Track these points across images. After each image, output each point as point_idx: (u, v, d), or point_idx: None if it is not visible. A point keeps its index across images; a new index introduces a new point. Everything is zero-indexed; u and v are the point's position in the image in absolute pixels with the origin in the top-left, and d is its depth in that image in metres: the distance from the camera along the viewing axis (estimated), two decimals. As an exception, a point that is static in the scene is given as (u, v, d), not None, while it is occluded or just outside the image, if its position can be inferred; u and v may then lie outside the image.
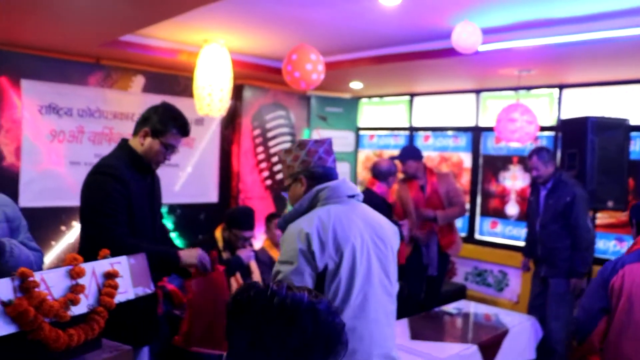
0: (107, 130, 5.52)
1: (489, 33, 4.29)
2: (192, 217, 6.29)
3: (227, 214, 4.07)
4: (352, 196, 2.13)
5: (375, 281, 2.04)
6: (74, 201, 5.25)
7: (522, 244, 6.07)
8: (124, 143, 2.74)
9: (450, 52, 4.61)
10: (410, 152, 5.17)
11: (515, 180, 6.26)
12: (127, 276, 1.92)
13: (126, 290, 1.90)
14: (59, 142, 5.28)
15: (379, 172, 4.85)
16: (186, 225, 6.20)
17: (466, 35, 3.72)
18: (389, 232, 2.18)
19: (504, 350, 4.11)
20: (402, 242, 4.99)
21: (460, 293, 6.18)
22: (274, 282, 1.89)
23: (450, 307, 4.76)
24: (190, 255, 2.67)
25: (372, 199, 4.70)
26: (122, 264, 1.91)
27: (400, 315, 4.28)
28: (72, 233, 5.33)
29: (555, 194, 4.55)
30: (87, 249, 2.28)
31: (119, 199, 2.54)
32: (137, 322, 2.64)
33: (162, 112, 2.68)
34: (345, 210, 2.06)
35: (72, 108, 5.34)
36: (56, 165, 5.25)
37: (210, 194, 6.53)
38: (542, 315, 4.65)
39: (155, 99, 2.79)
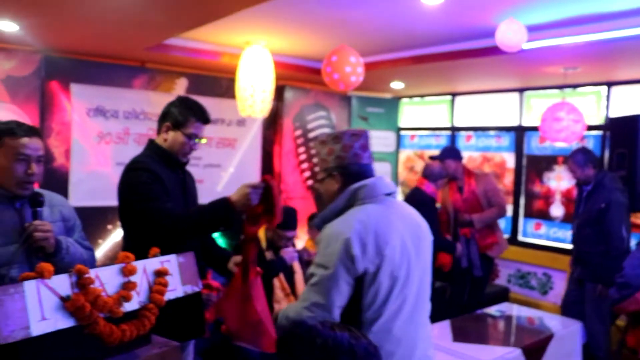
0: (151, 131, 5.63)
1: (534, 30, 4.22)
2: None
3: None
4: (389, 194, 2.07)
5: (414, 281, 2.00)
6: (120, 201, 5.42)
7: (568, 246, 5.96)
8: (150, 142, 2.79)
9: (494, 51, 4.55)
10: (450, 152, 5.13)
11: (560, 180, 6.14)
12: (176, 274, 1.96)
13: (175, 288, 1.95)
14: (105, 143, 5.42)
15: (430, 173, 4.83)
16: (229, 225, 6.27)
17: (511, 33, 3.67)
18: (425, 229, 2.14)
19: (548, 355, 4.02)
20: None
21: (502, 295, 6.09)
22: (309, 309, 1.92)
23: (493, 310, 4.69)
24: (241, 195, 2.53)
25: (421, 196, 4.70)
26: (171, 262, 1.95)
27: (442, 316, 4.27)
28: (119, 232, 5.46)
29: (593, 198, 4.42)
30: (131, 248, 2.33)
31: (157, 186, 2.59)
32: (184, 318, 2.68)
33: (179, 105, 2.73)
34: (383, 210, 2.00)
35: (118, 110, 5.48)
36: (103, 166, 5.39)
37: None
38: (574, 314, 4.56)
39: (198, 101, 2.84)
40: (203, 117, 2.75)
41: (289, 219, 3.83)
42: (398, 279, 1.94)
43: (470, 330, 4.21)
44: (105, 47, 5.07)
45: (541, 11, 3.96)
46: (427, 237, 2.12)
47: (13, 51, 4.83)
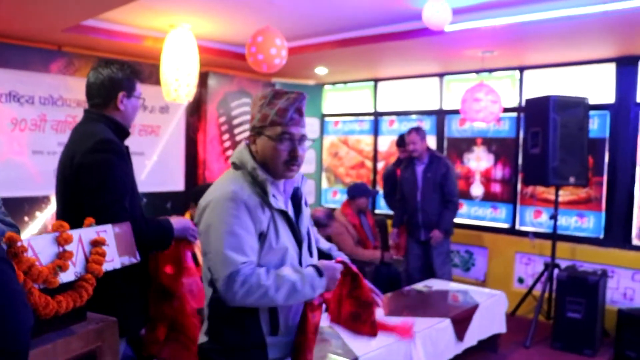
0: (70, 118, 5.41)
1: (456, 13, 4.36)
2: (159, 206, 6.23)
3: (193, 191, 4.19)
4: None
5: None
6: (38, 191, 5.16)
7: (488, 224, 6.23)
8: (100, 114, 2.51)
9: (416, 33, 4.68)
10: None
11: (479, 161, 6.39)
12: (112, 245, 1.90)
13: (112, 259, 1.89)
14: (20, 130, 5.16)
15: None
16: (153, 214, 6.12)
17: (439, 12, 3.77)
18: None
19: (475, 323, 4.23)
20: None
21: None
22: None
23: (420, 286, 4.87)
24: (180, 223, 2.59)
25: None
26: (107, 233, 1.89)
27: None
28: (35, 224, 5.23)
29: (432, 168, 5.26)
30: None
31: (125, 179, 2.43)
32: (127, 310, 2.49)
33: (118, 70, 2.51)
34: None
35: (33, 96, 5.23)
36: (19, 155, 5.13)
37: (176, 182, 6.48)
38: (422, 275, 5.37)
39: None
40: (140, 75, 2.61)
41: None
42: None
43: (400, 304, 4.35)
44: (20, 28, 4.80)
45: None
46: None
47: None
